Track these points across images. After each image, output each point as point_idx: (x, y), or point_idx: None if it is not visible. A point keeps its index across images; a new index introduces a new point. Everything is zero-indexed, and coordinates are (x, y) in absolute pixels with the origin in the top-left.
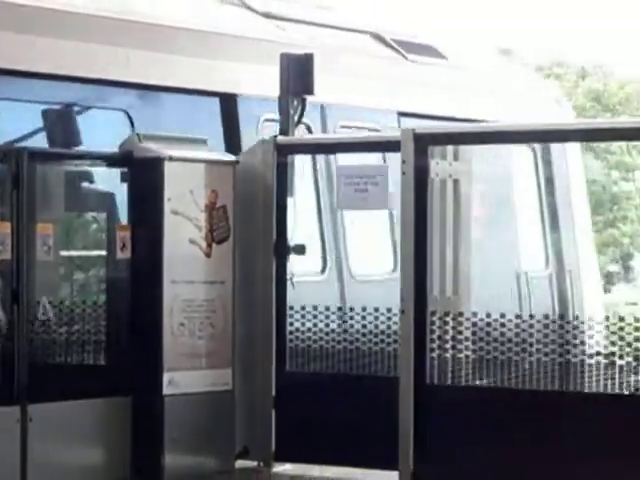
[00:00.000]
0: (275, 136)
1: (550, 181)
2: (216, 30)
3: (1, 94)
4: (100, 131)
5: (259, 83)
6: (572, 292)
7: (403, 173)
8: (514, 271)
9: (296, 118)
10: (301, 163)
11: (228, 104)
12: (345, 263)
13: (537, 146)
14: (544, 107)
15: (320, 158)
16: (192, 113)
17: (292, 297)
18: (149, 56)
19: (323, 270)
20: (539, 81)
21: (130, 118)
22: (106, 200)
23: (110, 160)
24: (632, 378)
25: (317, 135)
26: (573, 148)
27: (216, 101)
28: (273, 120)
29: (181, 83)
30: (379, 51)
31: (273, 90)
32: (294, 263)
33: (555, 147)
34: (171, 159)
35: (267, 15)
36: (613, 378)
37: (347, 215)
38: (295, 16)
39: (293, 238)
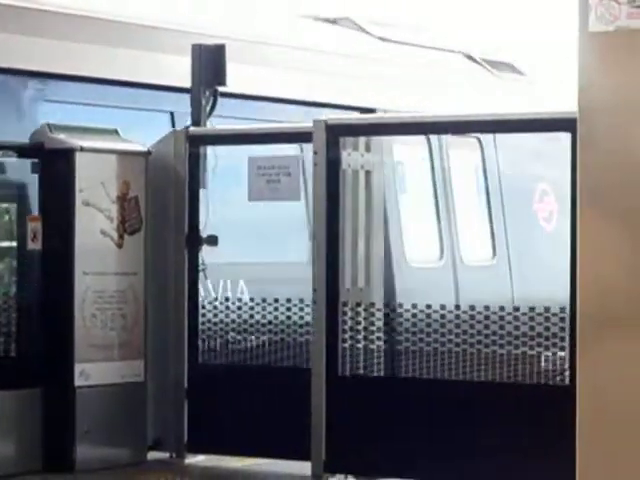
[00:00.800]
0: (187, 127)
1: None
2: (347, 53)
3: None
4: None
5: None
6: None
7: (315, 164)
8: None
9: (208, 109)
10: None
11: None
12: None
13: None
14: None
15: None
16: None
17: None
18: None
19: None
20: None
21: None
22: (17, 191)
23: (21, 151)
24: (550, 368)
25: (229, 126)
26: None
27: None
28: None
29: (327, 99)
30: (471, 68)
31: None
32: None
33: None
34: (82, 150)
35: (383, 39)
36: (524, 367)
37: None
38: (407, 40)
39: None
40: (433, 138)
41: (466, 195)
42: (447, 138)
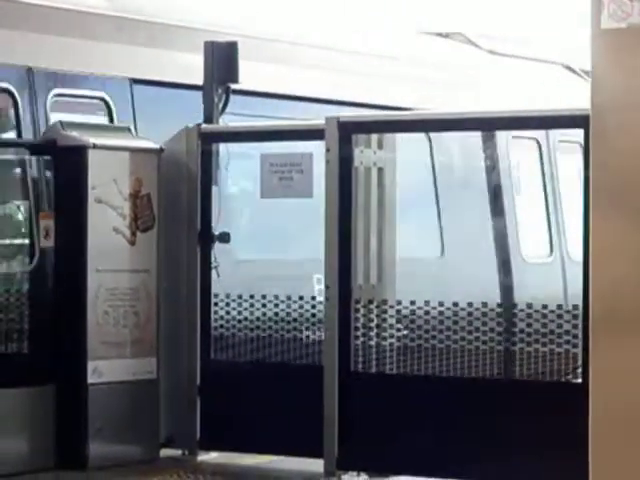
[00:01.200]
0: (199, 124)
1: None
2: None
3: None
4: None
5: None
6: None
7: (327, 161)
8: None
9: (221, 106)
10: None
11: None
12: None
13: None
14: None
15: None
16: None
17: None
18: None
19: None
20: None
21: None
22: (29, 188)
23: (34, 148)
24: (555, 366)
25: (241, 123)
26: None
27: None
28: None
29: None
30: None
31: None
32: None
33: None
34: (95, 147)
35: (491, 52)
36: (536, 365)
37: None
38: (512, 52)
39: None
40: (543, 142)
41: (571, 195)
42: (555, 142)
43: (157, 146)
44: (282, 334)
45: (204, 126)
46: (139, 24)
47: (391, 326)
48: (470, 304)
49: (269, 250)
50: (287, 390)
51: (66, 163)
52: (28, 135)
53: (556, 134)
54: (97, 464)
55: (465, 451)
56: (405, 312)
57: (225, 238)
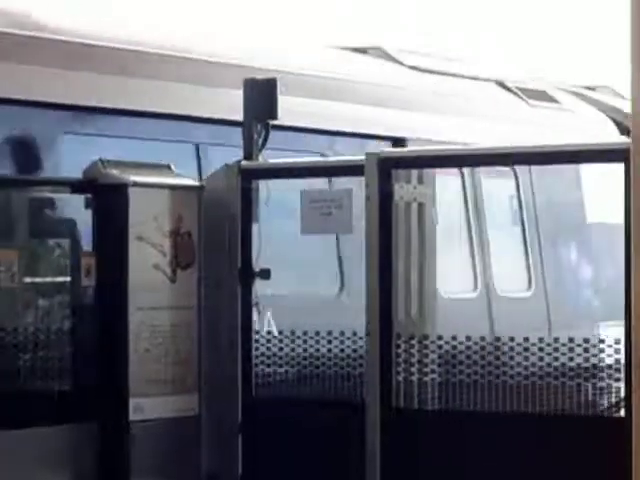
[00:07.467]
0: (239, 161)
1: None
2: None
3: None
4: None
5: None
6: None
7: (367, 197)
8: None
9: (260, 143)
10: None
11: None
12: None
13: None
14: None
15: None
16: None
17: None
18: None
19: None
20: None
21: None
22: (70, 226)
23: (74, 186)
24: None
25: (280, 160)
26: None
27: (389, 144)
28: None
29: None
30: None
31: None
32: None
33: None
34: (135, 184)
35: (413, 68)
36: (571, 398)
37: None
38: (436, 68)
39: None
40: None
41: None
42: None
43: (197, 183)
44: (323, 370)
45: (244, 163)
46: None
47: (432, 361)
48: (512, 338)
49: None
50: (329, 427)
51: (106, 201)
52: None
53: None
54: None
55: None
56: (447, 347)
57: (266, 275)
